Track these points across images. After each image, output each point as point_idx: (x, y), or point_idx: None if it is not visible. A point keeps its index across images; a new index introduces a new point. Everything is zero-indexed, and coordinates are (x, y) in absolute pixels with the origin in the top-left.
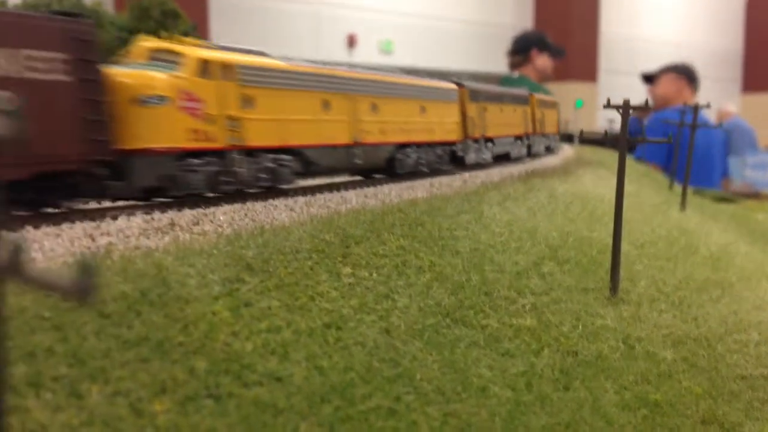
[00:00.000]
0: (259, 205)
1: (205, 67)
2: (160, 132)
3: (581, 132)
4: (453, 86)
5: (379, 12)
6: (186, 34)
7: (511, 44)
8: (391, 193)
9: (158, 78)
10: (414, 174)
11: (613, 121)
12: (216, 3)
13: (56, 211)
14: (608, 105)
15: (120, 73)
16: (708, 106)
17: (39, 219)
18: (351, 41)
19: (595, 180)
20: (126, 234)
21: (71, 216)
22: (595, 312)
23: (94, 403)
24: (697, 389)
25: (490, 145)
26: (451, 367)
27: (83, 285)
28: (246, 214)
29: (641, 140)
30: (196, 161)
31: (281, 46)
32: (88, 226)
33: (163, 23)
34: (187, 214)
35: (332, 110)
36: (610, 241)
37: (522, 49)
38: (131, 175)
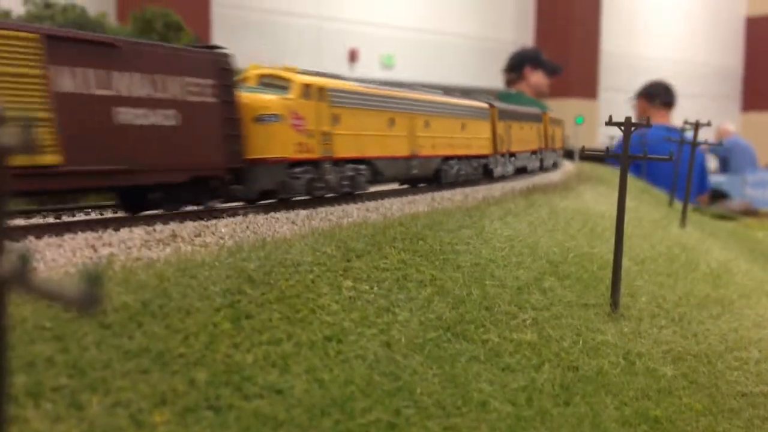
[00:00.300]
0: (260, 218)
1: (306, 90)
2: (274, 145)
3: (582, 148)
4: (486, 105)
5: (380, 27)
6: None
7: (506, 62)
8: (393, 207)
9: (273, 100)
10: (454, 183)
11: (614, 137)
12: (219, 16)
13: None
14: (610, 122)
15: (243, 95)
16: (708, 124)
17: (40, 229)
18: (352, 56)
19: (596, 196)
20: (128, 245)
21: (73, 226)
22: (595, 327)
23: (94, 413)
24: (697, 406)
25: (512, 159)
26: (452, 382)
27: (87, 295)
28: (248, 227)
29: (643, 157)
30: (298, 169)
31: (284, 60)
32: (90, 236)
33: (165, 35)
34: (189, 226)
35: (396, 127)
36: (610, 257)
37: (515, 66)
38: (251, 181)
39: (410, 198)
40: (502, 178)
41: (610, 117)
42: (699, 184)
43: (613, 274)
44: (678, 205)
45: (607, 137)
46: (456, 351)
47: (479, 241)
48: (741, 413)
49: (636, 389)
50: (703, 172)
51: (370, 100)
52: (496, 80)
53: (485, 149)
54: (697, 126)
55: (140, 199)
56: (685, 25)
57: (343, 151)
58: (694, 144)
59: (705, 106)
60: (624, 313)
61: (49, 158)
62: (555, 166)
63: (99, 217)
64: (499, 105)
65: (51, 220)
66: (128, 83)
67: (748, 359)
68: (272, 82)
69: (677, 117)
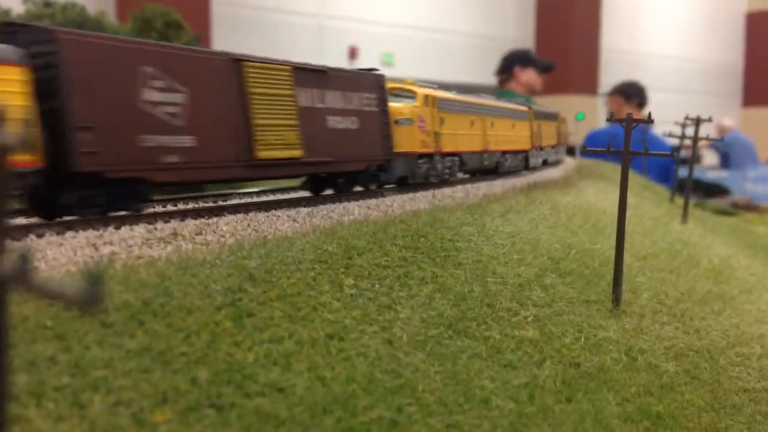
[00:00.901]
0: (261, 216)
1: (426, 100)
2: (408, 141)
3: (583, 145)
4: (526, 108)
5: (380, 25)
6: (188, 45)
7: (498, 65)
8: (394, 204)
9: (406, 107)
10: (507, 173)
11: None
12: (219, 14)
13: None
14: (611, 119)
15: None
16: (709, 120)
17: (42, 228)
18: (353, 53)
19: (597, 192)
20: (129, 243)
21: (74, 225)
22: (597, 324)
23: (95, 413)
24: (699, 402)
25: (541, 152)
26: (454, 379)
27: (88, 294)
28: (249, 225)
29: (643, 154)
30: (421, 161)
31: (285, 58)
32: (92, 235)
33: (165, 34)
34: (190, 224)
35: (474, 127)
36: (612, 253)
37: (506, 68)
38: (393, 169)
39: (411, 195)
40: (534, 169)
41: (611, 113)
42: (663, 177)
43: (614, 271)
44: (679, 201)
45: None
46: (458, 348)
47: (480, 238)
48: (743, 409)
49: (638, 385)
50: (668, 169)
51: (460, 106)
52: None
53: (526, 145)
54: (698, 122)
55: (324, 184)
56: (685, 21)
57: (446, 146)
58: (696, 140)
59: (705, 102)
60: (626, 310)
61: (297, 152)
62: (569, 153)
63: (100, 215)
64: (534, 107)
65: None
66: (332, 98)
67: (750, 355)
68: (401, 93)
69: (677, 112)
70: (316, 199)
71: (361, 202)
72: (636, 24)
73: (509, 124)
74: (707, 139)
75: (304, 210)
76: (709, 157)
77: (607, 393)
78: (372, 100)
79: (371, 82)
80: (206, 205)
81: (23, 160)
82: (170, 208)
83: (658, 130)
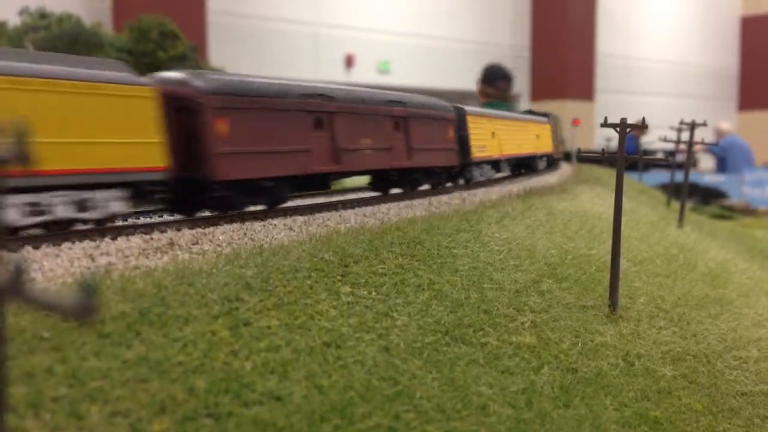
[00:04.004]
0: (257, 225)
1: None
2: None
3: (579, 150)
4: (546, 118)
5: (376, 32)
6: (185, 56)
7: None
8: (390, 211)
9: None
10: (536, 171)
11: (611, 139)
12: (215, 24)
13: (57, 233)
14: (606, 123)
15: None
16: (704, 124)
17: (39, 239)
18: (349, 61)
19: (593, 198)
20: (125, 254)
21: (71, 236)
22: (594, 329)
23: (93, 423)
24: (697, 406)
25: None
26: (451, 385)
27: (83, 304)
28: (245, 234)
29: (639, 158)
30: (487, 165)
31: (281, 66)
32: (88, 246)
33: (161, 44)
34: (187, 234)
35: (505, 134)
36: (608, 258)
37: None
38: (470, 172)
39: (407, 203)
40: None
41: (606, 118)
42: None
43: (611, 276)
44: (675, 205)
45: (604, 139)
46: (455, 355)
47: (477, 245)
48: (741, 412)
49: (635, 390)
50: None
51: (494, 116)
52: None
53: (549, 148)
54: (693, 126)
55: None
56: (680, 25)
57: (500, 152)
58: (691, 144)
59: (701, 106)
60: (623, 315)
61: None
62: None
63: (96, 226)
64: (551, 115)
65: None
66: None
67: (748, 358)
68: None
69: (673, 117)
70: (312, 207)
71: (357, 210)
72: (631, 29)
73: (537, 130)
74: (703, 143)
75: (300, 218)
76: (706, 161)
77: (605, 398)
78: (450, 124)
79: (452, 112)
80: (202, 214)
81: None
82: (167, 218)
83: (654, 134)
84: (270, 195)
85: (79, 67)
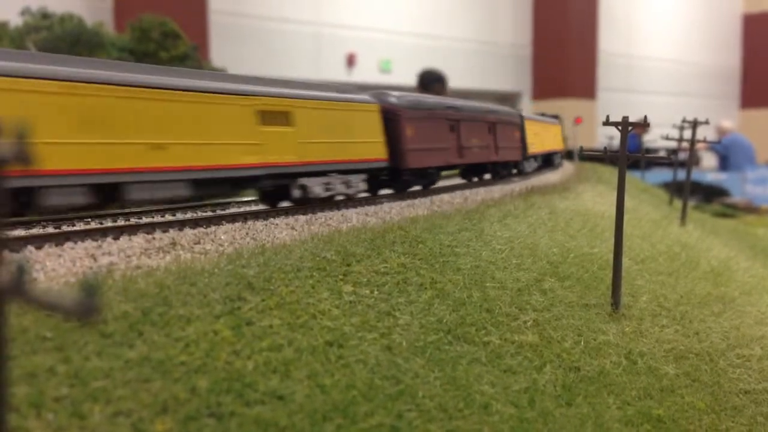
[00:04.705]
0: (260, 224)
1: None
2: (531, 148)
3: (581, 148)
4: (557, 119)
5: (378, 31)
6: (186, 55)
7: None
8: (392, 211)
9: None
10: (552, 166)
11: (613, 137)
12: (216, 24)
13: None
14: (607, 122)
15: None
16: (706, 122)
17: (41, 239)
18: (350, 60)
19: (595, 196)
20: (127, 253)
21: (73, 236)
22: (596, 327)
23: (95, 423)
24: (700, 404)
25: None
26: (453, 384)
27: (85, 304)
28: (247, 233)
29: (641, 157)
30: (533, 159)
31: (283, 66)
32: (90, 245)
33: (163, 44)
34: (188, 234)
35: (540, 134)
36: (610, 257)
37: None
38: (523, 165)
39: (409, 202)
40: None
41: (608, 117)
42: None
43: (613, 274)
44: (678, 204)
45: (606, 137)
46: (457, 354)
47: (479, 244)
48: (744, 411)
49: (638, 389)
50: None
51: (536, 120)
52: (493, 83)
53: (560, 146)
54: (695, 124)
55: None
56: (682, 23)
57: (536, 149)
58: (693, 142)
59: (703, 104)
60: (625, 313)
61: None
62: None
63: (98, 226)
64: (559, 117)
65: (51, 230)
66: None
67: (751, 356)
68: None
69: (675, 115)
70: (314, 207)
71: (359, 209)
72: (633, 27)
73: (554, 130)
74: (705, 141)
75: (302, 218)
76: (708, 160)
77: (608, 397)
78: (517, 126)
79: (516, 117)
80: (204, 214)
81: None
82: (168, 217)
83: (656, 133)
84: (429, 179)
85: (336, 93)
